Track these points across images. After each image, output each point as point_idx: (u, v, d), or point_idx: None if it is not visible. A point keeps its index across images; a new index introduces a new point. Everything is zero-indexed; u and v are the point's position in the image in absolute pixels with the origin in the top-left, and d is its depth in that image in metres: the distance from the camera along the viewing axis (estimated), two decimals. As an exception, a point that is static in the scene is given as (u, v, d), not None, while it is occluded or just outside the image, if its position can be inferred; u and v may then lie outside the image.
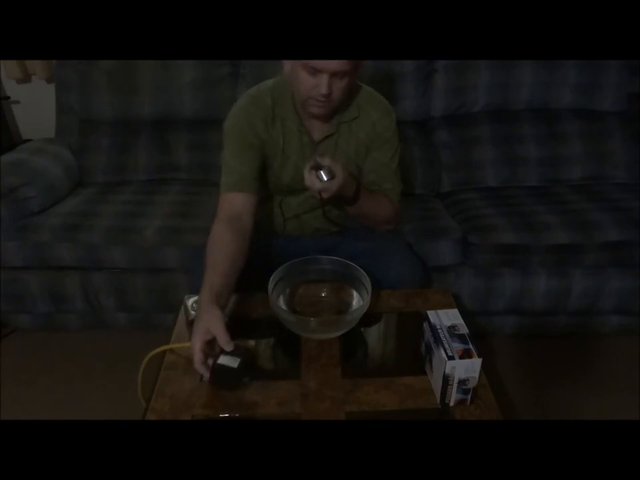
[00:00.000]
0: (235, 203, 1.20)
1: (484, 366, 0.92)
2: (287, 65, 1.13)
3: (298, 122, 1.22)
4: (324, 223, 1.36)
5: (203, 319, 0.98)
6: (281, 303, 1.13)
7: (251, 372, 1.00)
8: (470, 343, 0.92)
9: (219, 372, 0.95)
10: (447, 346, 0.91)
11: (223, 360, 0.95)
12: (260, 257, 1.30)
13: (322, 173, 1.09)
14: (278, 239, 1.40)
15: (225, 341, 0.95)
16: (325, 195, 1.12)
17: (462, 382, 0.91)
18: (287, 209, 1.35)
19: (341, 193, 1.15)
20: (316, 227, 1.38)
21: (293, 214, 1.36)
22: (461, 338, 0.93)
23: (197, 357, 0.95)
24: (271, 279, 1.11)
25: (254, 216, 1.22)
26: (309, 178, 1.11)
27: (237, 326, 1.16)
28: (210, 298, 1.01)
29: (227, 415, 0.93)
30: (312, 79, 1.08)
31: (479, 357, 0.90)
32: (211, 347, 0.97)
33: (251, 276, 1.23)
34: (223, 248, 1.12)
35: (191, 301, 1.14)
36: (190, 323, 1.13)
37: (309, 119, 1.23)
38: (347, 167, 1.17)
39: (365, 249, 1.34)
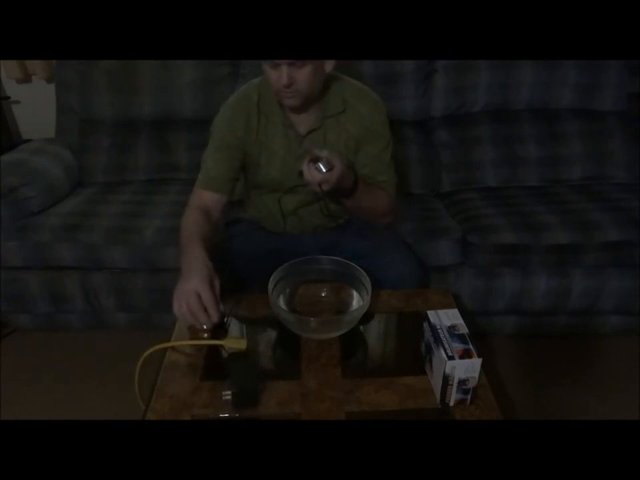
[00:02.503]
0: (204, 199, 1.27)
1: (484, 366, 0.91)
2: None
3: (282, 116, 1.25)
4: (322, 218, 1.36)
5: (202, 269, 1.04)
6: (281, 303, 1.13)
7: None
8: (470, 343, 0.92)
9: (240, 396, 0.94)
10: (447, 346, 0.91)
11: (245, 382, 0.94)
12: (262, 256, 1.31)
13: (320, 164, 1.10)
14: (279, 237, 1.40)
15: (213, 311, 1.03)
16: (325, 187, 1.12)
17: (462, 382, 0.91)
18: (285, 205, 1.36)
19: (340, 184, 1.15)
20: (315, 223, 1.38)
21: (291, 210, 1.36)
22: (461, 338, 0.93)
23: (195, 307, 1.01)
24: (271, 279, 1.11)
25: (222, 215, 1.30)
26: (307, 171, 1.11)
27: (238, 326, 1.17)
28: (203, 253, 1.09)
29: (226, 415, 0.93)
30: (275, 72, 1.12)
31: (479, 357, 0.90)
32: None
33: (253, 275, 1.24)
34: (197, 226, 1.19)
35: (191, 301, 1.14)
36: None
37: (292, 113, 1.25)
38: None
39: (365, 248, 1.34)
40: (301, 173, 1.12)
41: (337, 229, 1.42)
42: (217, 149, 1.29)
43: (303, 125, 1.26)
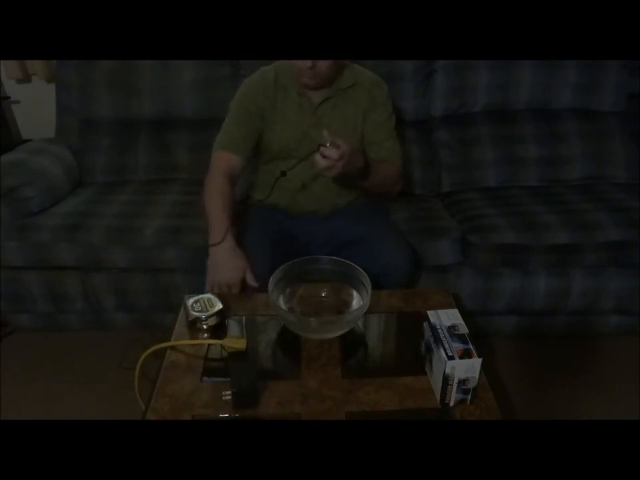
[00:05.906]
0: (226, 161, 1.37)
1: (484, 366, 0.92)
2: None
3: (298, 87, 1.37)
4: (332, 193, 1.47)
5: (238, 263, 1.24)
6: (281, 303, 1.13)
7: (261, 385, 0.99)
8: (470, 343, 0.92)
9: (240, 396, 0.94)
10: (446, 346, 0.91)
11: (242, 383, 0.94)
12: (263, 238, 1.38)
13: (327, 146, 1.16)
14: (281, 218, 1.48)
15: (252, 280, 1.24)
16: (340, 164, 1.18)
17: (462, 382, 0.91)
18: (295, 177, 1.43)
19: (352, 162, 1.22)
20: (324, 198, 1.47)
21: (300, 183, 1.44)
22: (461, 338, 0.93)
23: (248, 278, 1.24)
24: (271, 279, 1.11)
25: (237, 179, 1.40)
26: (319, 157, 1.18)
27: (238, 326, 1.17)
28: (233, 243, 1.26)
29: (226, 415, 0.93)
30: None
31: (479, 356, 0.90)
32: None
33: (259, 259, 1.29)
34: (223, 196, 1.32)
35: (191, 301, 1.14)
36: (190, 324, 1.13)
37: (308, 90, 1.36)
38: (346, 132, 1.36)
39: (361, 235, 1.40)
40: (318, 147, 1.19)
41: (337, 214, 1.49)
42: (237, 115, 1.40)
43: (317, 95, 1.39)
